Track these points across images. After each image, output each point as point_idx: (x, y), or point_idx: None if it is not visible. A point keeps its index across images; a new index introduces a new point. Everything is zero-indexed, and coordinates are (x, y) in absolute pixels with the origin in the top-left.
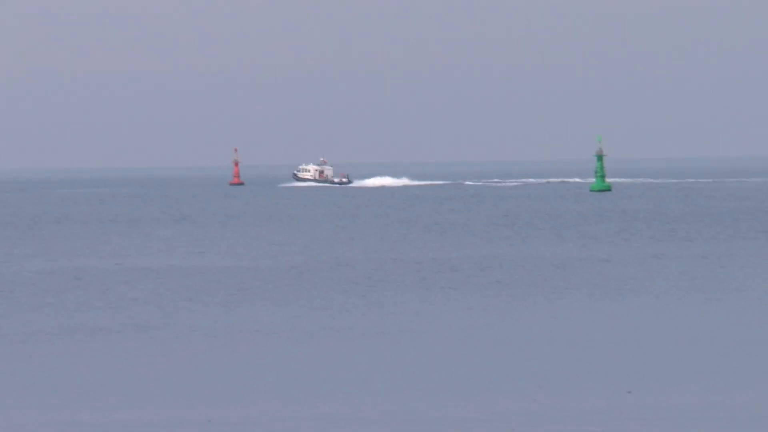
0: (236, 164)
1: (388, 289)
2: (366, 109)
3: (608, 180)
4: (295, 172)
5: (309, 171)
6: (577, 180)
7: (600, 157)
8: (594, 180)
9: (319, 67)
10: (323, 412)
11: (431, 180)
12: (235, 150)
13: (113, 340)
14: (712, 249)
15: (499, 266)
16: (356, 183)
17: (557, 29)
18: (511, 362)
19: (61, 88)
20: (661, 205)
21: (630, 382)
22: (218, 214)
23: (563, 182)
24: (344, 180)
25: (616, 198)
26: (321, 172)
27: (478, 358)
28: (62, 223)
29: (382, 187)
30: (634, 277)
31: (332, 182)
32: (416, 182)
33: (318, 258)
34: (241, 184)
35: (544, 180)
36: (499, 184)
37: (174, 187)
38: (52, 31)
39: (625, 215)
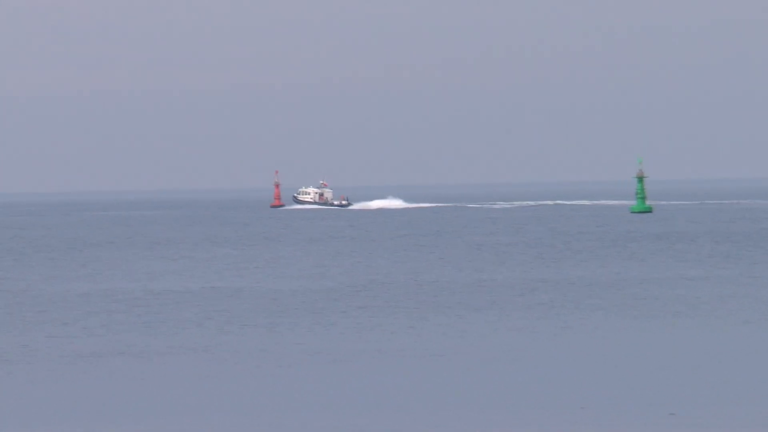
0: (277, 186)
1: (451, 311)
2: (375, 131)
3: (649, 202)
4: (295, 195)
5: (309, 194)
6: (612, 202)
7: (641, 179)
8: (635, 202)
9: (342, 85)
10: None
11: (426, 202)
12: (276, 172)
13: (163, 362)
14: (761, 271)
15: (546, 287)
16: (357, 205)
17: (595, 46)
18: (555, 382)
19: (94, 107)
20: (704, 225)
21: (673, 404)
22: (300, 235)
23: (557, 204)
24: (344, 202)
25: (657, 219)
26: (321, 195)
27: (523, 378)
28: (107, 246)
29: (381, 210)
30: (680, 298)
31: (332, 204)
32: (412, 204)
33: (392, 277)
34: (282, 205)
35: (535, 202)
36: (502, 206)
37: (215, 209)
38: (101, 49)
39: (669, 236)
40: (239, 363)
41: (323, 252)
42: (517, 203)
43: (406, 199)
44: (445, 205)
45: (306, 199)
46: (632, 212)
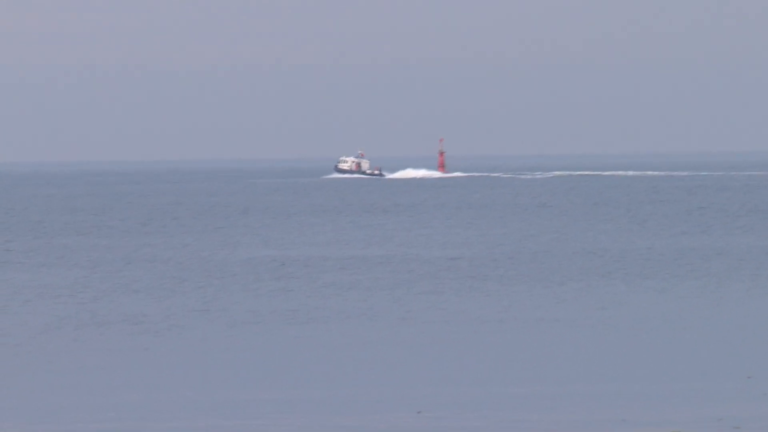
0: (441, 154)
1: (604, 280)
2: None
3: None
4: (337, 164)
5: (347, 163)
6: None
7: None
8: None
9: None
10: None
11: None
12: (441, 140)
13: (318, 327)
14: None
15: (692, 257)
16: (389, 175)
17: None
18: (719, 351)
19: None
20: None
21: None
22: (429, 204)
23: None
24: (376, 172)
25: None
26: (358, 164)
27: (682, 346)
28: (247, 213)
29: (413, 179)
30: None
31: (364, 174)
32: (447, 174)
33: (519, 248)
34: (446, 173)
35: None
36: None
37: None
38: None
39: None
40: (437, 327)
41: (483, 219)
42: (551, 173)
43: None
44: (478, 174)
45: (344, 168)
46: None
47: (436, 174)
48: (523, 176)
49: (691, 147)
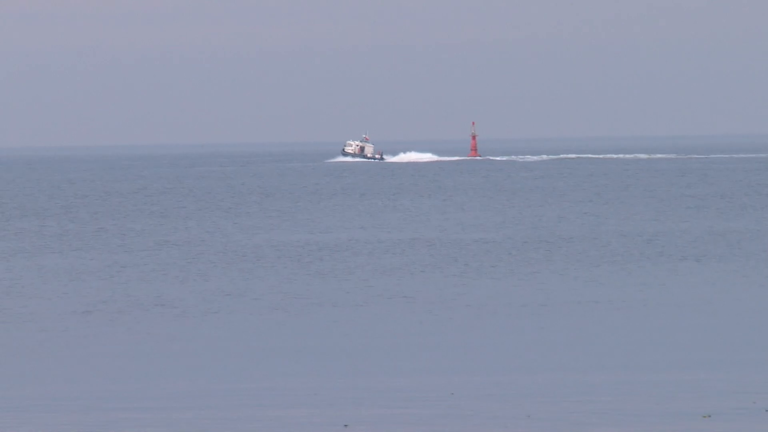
0: (474, 137)
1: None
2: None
3: None
4: (343, 147)
5: (351, 146)
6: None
7: None
8: None
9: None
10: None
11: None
12: (473, 123)
13: (374, 310)
14: None
15: (731, 238)
16: (389, 159)
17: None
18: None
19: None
20: None
21: None
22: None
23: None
24: (377, 156)
25: None
26: (361, 148)
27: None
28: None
29: (410, 163)
30: None
31: (365, 158)
32: (444, 158)
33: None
34: (478, 156)
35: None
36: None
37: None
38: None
39: None
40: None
41: (517, 202)
42: (546, 156)
43: (436, 153)
44: (506, 158)
45: (349, 151)
46: None
47: (435, 158)
48: (551, 158)
49: (734, 128)
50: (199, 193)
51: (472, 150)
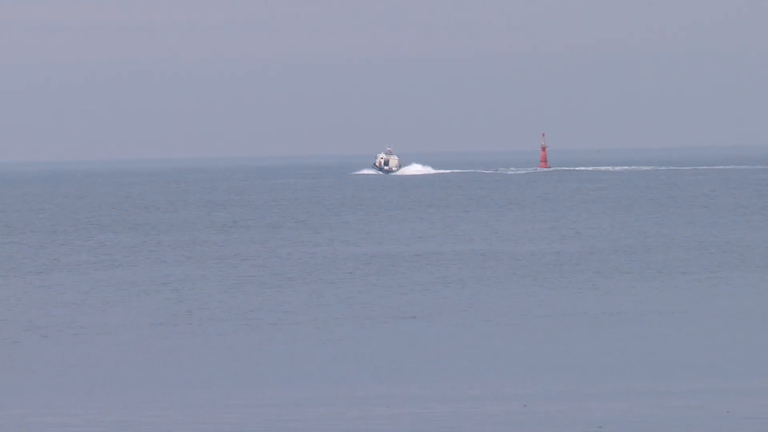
0: (543, 149)
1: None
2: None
3: None
4: (374, 161)
5: (377, 159)
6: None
7: None
8: None
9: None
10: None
11: (451, 169)
12: (543, 135)
13: (440, 323)
14: None
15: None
16: (395, 172)
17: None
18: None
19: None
20: None
21: None
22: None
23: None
24: (394, 168)
25: None
26: (386, 161)
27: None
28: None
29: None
30: None
31: (381, 170)
32: (440, 171)
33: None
34: (548, 167)
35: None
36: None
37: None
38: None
39: None
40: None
41: (585, 213)
42: (531, 169)
43: (434, 166)
44: (465, 171)
45: (376, 164)
46: None
47: (432, 171)
48: (617, 169)
49: None
50: (285, 205)
51: (541, 161)
